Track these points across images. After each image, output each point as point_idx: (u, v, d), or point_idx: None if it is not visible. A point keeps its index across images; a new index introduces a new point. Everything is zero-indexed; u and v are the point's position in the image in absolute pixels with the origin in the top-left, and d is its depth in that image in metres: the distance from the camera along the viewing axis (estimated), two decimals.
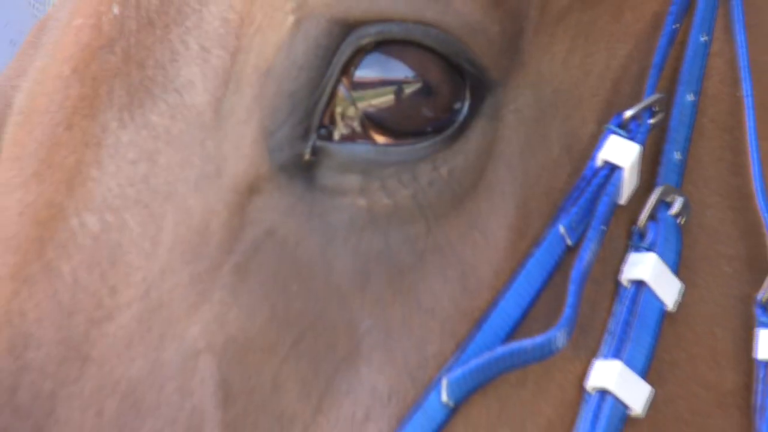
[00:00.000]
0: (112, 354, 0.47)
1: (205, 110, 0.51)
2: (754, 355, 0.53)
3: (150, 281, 0.49)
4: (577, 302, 0.49)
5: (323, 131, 0.50)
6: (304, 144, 0.49)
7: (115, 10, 0.54)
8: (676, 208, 0.53)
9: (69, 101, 0.54)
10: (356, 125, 0.49)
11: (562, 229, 0.51)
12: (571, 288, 0.49)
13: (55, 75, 0.56)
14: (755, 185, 0.55)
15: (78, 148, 0.53)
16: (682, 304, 0.53)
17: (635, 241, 0.53)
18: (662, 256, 0.52)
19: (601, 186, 0.52)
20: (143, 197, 0.51)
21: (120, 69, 0.53)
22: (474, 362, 0.47)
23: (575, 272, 0.49)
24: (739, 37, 0.58)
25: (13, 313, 0.49)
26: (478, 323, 0.49)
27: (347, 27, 0.49)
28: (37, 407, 0.46)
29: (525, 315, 0.50)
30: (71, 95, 0.54)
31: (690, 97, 0.57)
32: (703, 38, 0.57)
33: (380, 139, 0.49)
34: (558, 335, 0.48)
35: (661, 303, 0.52)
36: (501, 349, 0.48)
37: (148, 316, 0.48)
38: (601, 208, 0.52)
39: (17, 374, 0.47)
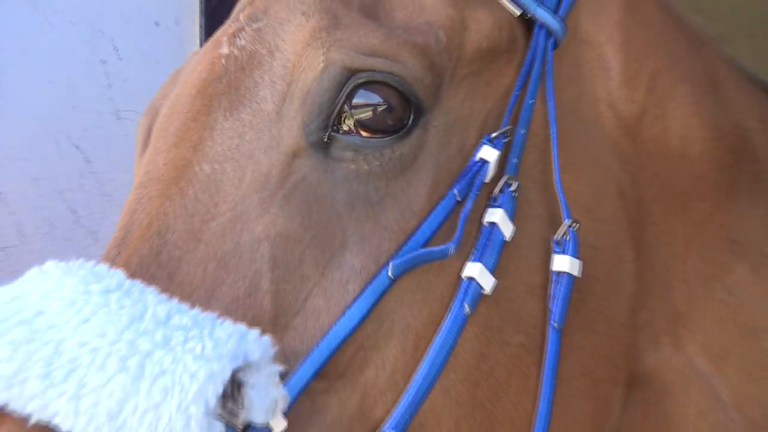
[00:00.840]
0: (214, 238, 0.84)
1: (272, 112, 0.88)
2: (551, 268, 0.93)
3: (237, 200, 0.85)
4: (462, 231, 0.88)
5: (335, 127, 0.89)
6: (324, 133, 0.88)
7: (223, 61, 0.93)
8: (513, 187, 0.91)
9: (195, 107, 0.93)
10: (352, 126, 0.88)
11: (456, 192, 0.90)
12: (460, 223, 0.88)
13: (186, 94, 0.95)
14: (555, 179, 0.95)
15: (199, 130, 0.91)
16: (512, 240, 0.91)
17: (492, 202, 0.91)
18: (506, 211, 0.90)
19: (477, 172, 0.90)
20: (235, 156, 0.87)
21: (225, 91, 0.91)
22: (408, 255, 0.86)
23: (462, 215, 0.89)
24: (550, 100, 0.97)
25: (160, 213, 0.87)
26: (411, 235, 0.88)
27: (351, 72, 0.87)
28: (170, 264, 0.83)
29: (434, 234, 0.89)
30: (196, 104, 0.93)
31: (522, 131, 0.95)
32: (531, 101, 0.96)
33: (364, 133, 0.88)
34: (451, 247, 0.86)
35: (503, 236, 0.90)
36: (422, 251, 0.86)
37: (235, 219, 0.85)
38: (477, 183, 0.90)
39: (161, 246, 0.84)
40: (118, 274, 0.77)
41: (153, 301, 0.74)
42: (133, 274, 0.79)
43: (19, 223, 2.12)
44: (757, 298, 1.05)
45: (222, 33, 0.98)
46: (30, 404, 0.67)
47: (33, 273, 0.78)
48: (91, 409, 0.66)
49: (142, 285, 0.76)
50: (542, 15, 0.96)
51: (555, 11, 0.97)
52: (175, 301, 0.75)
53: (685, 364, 1.02)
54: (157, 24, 2.39)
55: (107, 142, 2.28)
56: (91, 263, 0.79)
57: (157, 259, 0.83)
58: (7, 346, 0.68)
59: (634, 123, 1.02)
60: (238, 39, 0.93)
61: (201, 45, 2.29)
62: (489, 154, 0.91)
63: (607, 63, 1.02)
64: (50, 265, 0.78)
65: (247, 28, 0.93)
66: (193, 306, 0.76)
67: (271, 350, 0.74)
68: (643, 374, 1.01)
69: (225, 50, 0.93)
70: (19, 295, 0.74)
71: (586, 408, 0.94)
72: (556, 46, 0.99)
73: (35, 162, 2.16)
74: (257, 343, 0.73)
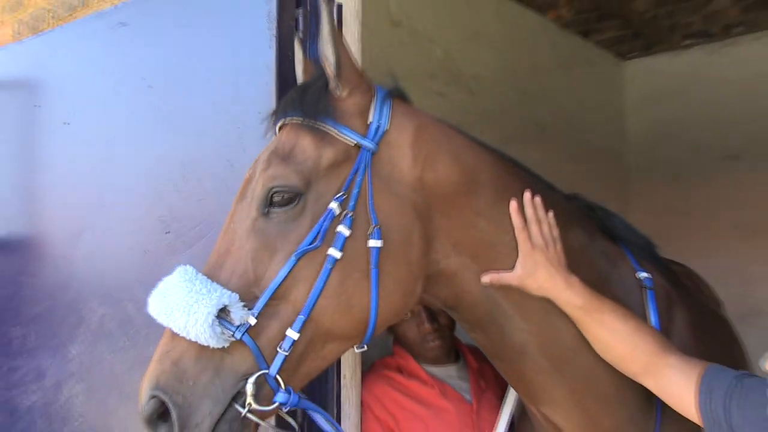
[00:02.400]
0: (234, 252, 1.72)
1: (251, 202, 1.75)
2: (368, 245, 1.75)
3: (241, 236, 1.74)
4: (324, 236, 1.70)
5: (267, 207, 1.74)
6: (265, 209, 1.73)
7: (246, 178, 1.82)
8: (350, 215, 1.72)
9: (236, 197, 1.82)
10: (270, 204, 1.73)
11: (321, 222, 1.70)
12: (321, 233, 1.70)
13: (239, 191, 1.82)
14: (370, 207, 1.75)
15: (234, 207, 1.81)
16: (350, 235, 1.71)
17: (341, 223, 1.71)
18: (345, 225, 1.71)
19: (330, 212, 1.71)
20: (240, 219, 1.76)
21: (241, 191, 1.80)
22: (302, 248, 1.68)
23: (323, 230, 1.71)
24: (369, 182, 1.76)
25: (219, 243, 1.78)
26: (303, 241, 1.69)
27: (272, 187, 1.71)
28: (220, 264, 1.74)
29: (313, 239, 1.69)
30: (237, 196, 1.81)
31: (356, 191, 1.75)
32: (360, 179, 1.76)
33: (279, 208, 1.72)
34: (319, 243, 1.68)
35: (344, 235, 1.70)
36: (308, 246, 1.68)
37: (240, 244, 1.72)
38: (331, 216, 1.71)
39: (218, 257, 1.76)
40: (192, 269, 1.69)
41: (201, 277, 1.66)
42: (205, 272, 1.69)
43: None
44: (489, 232, 1.92)
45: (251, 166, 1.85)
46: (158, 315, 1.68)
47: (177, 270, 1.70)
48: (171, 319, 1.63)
49: (203, 275, 1.67)
50: (365, 142, 1.78)
51: (373, 138, 1.79)
52: (209, 280, 1.64)
53: (459, 262, 1.90)
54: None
55: None
56: (190, 266, 1.70)
57: (215, 264, 1.74)
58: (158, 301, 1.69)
59: (418, 175, 1.83)
60: (250, 170, 1.82)
61: None
62: (335, 205, 1.72)
63: (404, 152, 1.83)
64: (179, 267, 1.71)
65: (253, 165, 1.82)
66: (219, 278, 1.67)
67: (236, 299, 1.61)
68: (440, 270, 1.88)
69: (246, 174, 1.82)
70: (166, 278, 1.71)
71: (396, 295, 1.77)
72: (373, 152, 1.79)
73: None
74: (230, 297, 1.60)
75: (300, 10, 2.26)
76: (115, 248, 2.62)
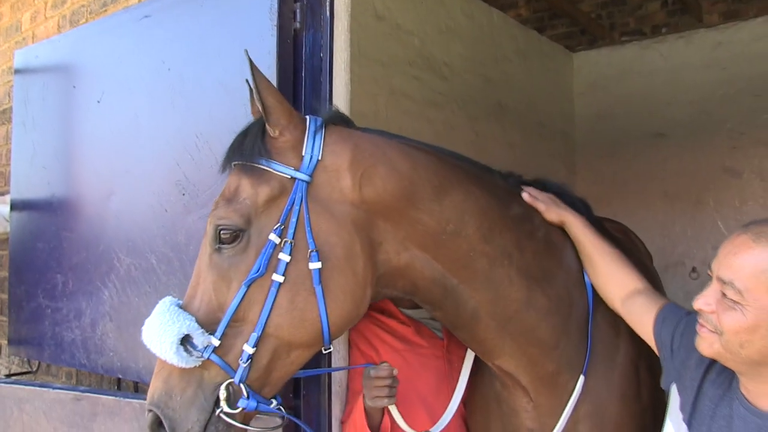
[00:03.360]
0: (201, 284, 1.69)
1: (208, 240, 1.68)
2: (309, 267, 1.65)
3: (203, 271, 1.68)
4: (267, 264, 1.64)
5: (218, 245, 1.66)
6: (216, 245, 1.66)
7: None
8: (290, 242, 1.64)
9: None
10: (219, 242, 1.66)
11: (264, 251, 1.63)
12: (265, 262, 1.64)
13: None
14: (307, 233, 1.66)
15: (202, 249, 1.73)
16: (290, 260, 1.63)
17: (282, 250, 1.65)
18: (284, 252, 1.64)
19: (270, 243, 1.64)
20: (203, 259, 1.69)
21: (205, 231, 1.71)
22: (251, 276, 1.62)
23: (266, 259, 1.64)
24: (305, 210, 1.66)
25: (193, 281, 1.74)
26: (250, 270, 1.63)
27: (218, 225, 1.64)
28: (192, 295, 1.68)
29: (258, 269, 1.63)
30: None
31: (294, 219, 1.65)
32: (297, 208, 1.66)
33: (225, 244, 1.65)
34: (262, 270, 1.63)
35: (285, 261, 1.63)
36: (254, 275, 1.62)
37: (203, 277, 1.68)
38: (271, 247, 1.64)
39: (193, 290, 1.70)
40: (169, 300, 1.66)
41: (172, 308, 1.62)
42: (182, 304, 1.67)
43: None
44: (432, 225, 1.81)
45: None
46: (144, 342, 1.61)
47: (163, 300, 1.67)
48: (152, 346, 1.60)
49: (177, 306, 1.65)
50: (297, 174, 1.67)
51: (306, 170, 1.68)
52: (180, 309, 1.63)
53: (410, 255, 1.81)
54: None
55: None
56: (171, 298, 1.67)
57: (188, 296, 1.69)
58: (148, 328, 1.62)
59: (358, 191, 1.72)
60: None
61: None
62: (274, 236, 1.64)
63: (342, 175, 1.71)
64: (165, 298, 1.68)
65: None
66: (192, 307, 1.65)
67: (195, 327, 1.59)
68: (393, 267, 1.80)
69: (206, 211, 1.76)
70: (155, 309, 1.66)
71: (346, 302, 1.69)
72: (308, 182, 1.68)
73: None
74: (189, 327, 1.58)
75: (298, 4, 2.20)
76: (140, 208, 2.58)
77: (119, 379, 3.11)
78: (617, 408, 2.03)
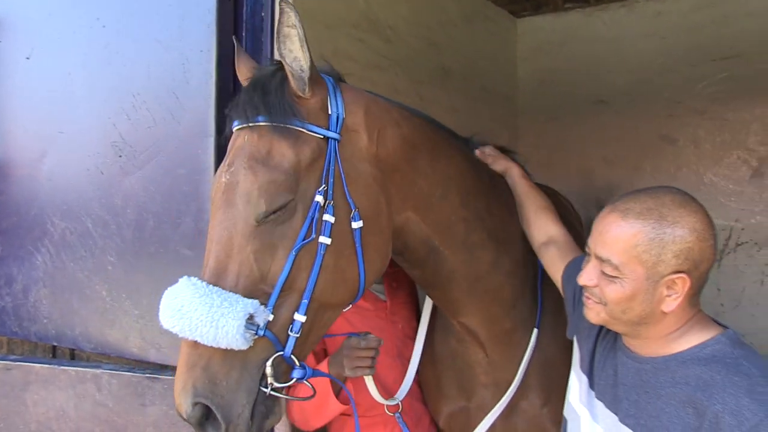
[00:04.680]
0: (235, 255, 1.62)
1: (248, 209, 1.61)
2: (351, 227, 1.73)
3: (240, 242, 1.61)
4: (316, 228, 1.66)
5: (263, 211, 1.62)
6: (263, 216, 1.62)
7: (222, 188, 1.65)
8: (332, 204, 1.67)
9: (216, 204, 1.65)
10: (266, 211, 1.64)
11: (311, 214, 1.65)
12: (314, 225, 1.65)
13: (215, 196, 1.68)
14: (346, 193, 1.71)
15: (219, 216, 1.64)
16: (335, 221, 1.68)
17: (325, 212, 1.68)
18: (329, 213, 1.67)
19: (316, 204, 1.66)
20: (233, 225, 1.62)
21: (227, 199, 1.63)
22: (299, 243, 1.63)
23: (314, 222, 1.66)
24: (340, 167, 1.70)
25: (216, 251, 1.62)
26: (298, 235, 1.64)
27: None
28: (222, 270, 1.61)
29: (306, 232, 1.64)
30: (216, 202, 1.66)
31: (331, 179, 1.69)
32: (333, 168, 1.70)
33: (274, 213, 1.62)
34: (313, 236, 1.65)
35: (330, 222, 1.67)
36: (304, 241, 1.64)
37: (240, 247, 1.61)
38: (317, 208, 1.66)
39: (218, 264, 1.62)
40: (197, 281, 1.56)
41: (213, 289, 1.54)
42: (208, 280, 1.57)
43: None
44: (425, 187, 1.94)
45: (221, 169, 1.69)
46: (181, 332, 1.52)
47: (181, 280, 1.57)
48: (197, 333, 1.50)
49: (209, 284, 1.55)
50: (331, 134, 1.69)
51: (335, 129, 1.70)
52: (225, 292, 1.53)
53: (406, 216, 1.92)
54: None
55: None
56: (194, 278, 1.56)
57: (217, 270, 1.60)
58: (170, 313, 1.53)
59: (375, 150, 1.79)
60: (224, 174, 1.66)
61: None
62: (319, 197, 1.65)
63: (360, 134, 1.77)
64: (182, 278, 1.57)
65: (224, 169, 1.67)
66: (225, 281, 1.57)
67: (257, 305, 1.54)
68: (394, 226, 1.87)
69: (223, 179, 1.65)
70: (171, 291, 1.56)
71: (377, 260, 1.78)
72: (338, 140, 1.71)
73: None
74: (253, 305, 1.53)
75: None
76: (74, 170, 2.51)
77: (54, 347, 3.05)
78: (563, 358, 2.19)
